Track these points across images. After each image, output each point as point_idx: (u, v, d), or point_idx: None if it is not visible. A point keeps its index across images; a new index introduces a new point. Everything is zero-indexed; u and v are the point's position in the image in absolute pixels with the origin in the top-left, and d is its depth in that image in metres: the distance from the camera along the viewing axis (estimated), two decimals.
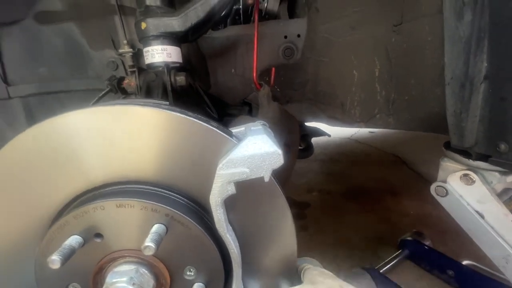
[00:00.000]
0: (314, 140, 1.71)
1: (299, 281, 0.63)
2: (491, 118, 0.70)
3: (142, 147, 0.46)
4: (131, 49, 0.99)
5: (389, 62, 0.98)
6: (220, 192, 0.44)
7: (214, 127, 0.48)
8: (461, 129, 0.76)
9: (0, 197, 0.46)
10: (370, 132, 3.76)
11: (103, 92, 0.77)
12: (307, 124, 1.66)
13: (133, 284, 0.44)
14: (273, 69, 1.04)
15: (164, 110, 0.46)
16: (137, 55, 1.03)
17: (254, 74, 0.97)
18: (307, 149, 1.52)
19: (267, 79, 1.15)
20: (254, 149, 0.43)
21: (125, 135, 0.45)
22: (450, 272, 1.21)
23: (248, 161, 0.43)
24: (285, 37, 1.14)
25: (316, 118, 1.36)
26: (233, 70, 1.18)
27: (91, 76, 1.10)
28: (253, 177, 0.44)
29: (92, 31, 1.04)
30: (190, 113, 0.48)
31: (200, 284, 0.49)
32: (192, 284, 0.49)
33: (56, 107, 1.14)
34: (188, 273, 0.49)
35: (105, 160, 0.46)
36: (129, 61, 1.00)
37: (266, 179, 0.44)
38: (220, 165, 0.43)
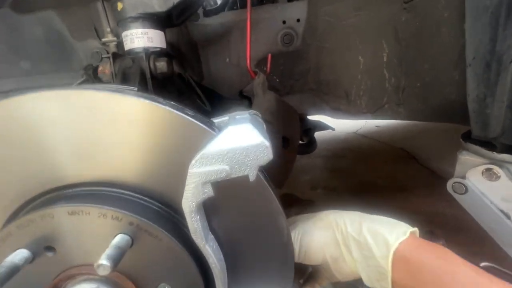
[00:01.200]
0: (317, 135, 1.61)
1: None
2: None
3: (101, 140, 0.38)
4: (115, 38, 0.91)
5: (399, 45, 0.88)
6: (194, 195, 0.35)
7: (190, 115, 0.39)
8: (485, 117, 0.66)
9: None
10: (376, 126, 3.64)
11: (77, 82, 0.69)
12: (309, 117, 1.56)
13: None
14: (269, 55, 0.95)
15: (127, 95, 0.37)
16: (122, 44, 0.95)
17: (248, 62, 0.88)
18: (310, 144, 1.43)
19: (264, 68, 1.06)
20: (235, 142, 0.34)
21: (76, 126, 0.37)
22: None
23: (227, 156, 0.34)
24: (284, 22, 1.04)
25: (319, 110, 1.26)
26: (227, 60, 1.09)
27: (76, 70, 1.03)
28: (235, 175, 0.35)
29: (74, 19, 0.96)
30: (161, 100, 0.40)
31: None
32: None
33: None
34: None
35: (53, 155, 0.38)
36: (112, 51, 0.92)
37: (251, 178, 0.35)
38: (192, 162, 0.34)
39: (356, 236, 0.49)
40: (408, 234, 0.47)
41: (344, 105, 1.11)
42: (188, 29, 1.03)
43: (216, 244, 0.41)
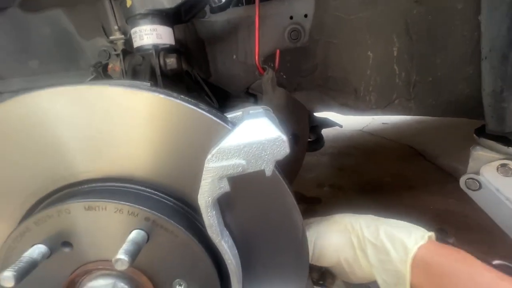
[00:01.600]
0: (323, 132, 1.60)
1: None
2: None
3: (115, 135, 0.38)
4: (122, 36, 0.91)
5: (410, 39, 0.86)
6: (210, 190, 0.35)
7: (204, 110, 0.39)
8: (502, 111, 0.65)
9: None
10: (383, 123, 3.60)
11: (87, 80, 0.70)
12: (316, 114, 1.54)
13: None
14: (278, 51, 0.94)
15: (141, 90, 0.37)
16: (130, 42, 0.95)
17: (257, 58, 0.87)
18: (318, 141, 1.42)
19: (271, 64, 1.05)
20: (252, 136, 0.34)
21: (92, 122, 0.37)
22: None
23: (244, 150, 0.34)
24: (291, 17, 1.03)
25: (326, 107, 1.25)
26: (234, 57, 1.08)
27: (84, 68, 1.03)
28: (251, 170, 0.35)
29: (81, 18, 0.96)
30: (174, 94, 0.39)
31: None
32: None
33: None
34: (177, 286, 0.41)
35: (70, 151, 0.38)
36: (121, 49, 0.92)
37: (268, 173, 0.35)
38: (209, 157, 0.34)
39: (373, 240, 0.48)
40: (426, 238, 0.46)
41: (353, 101, 1.09)
42: (195, 26, 1.02)
43: (231, 240, 0.41)
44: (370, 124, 3.55)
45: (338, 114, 1.31)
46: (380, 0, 0.88)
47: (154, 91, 0.38)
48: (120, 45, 0.91)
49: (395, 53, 0.91)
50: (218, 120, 0.38)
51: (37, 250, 0.36)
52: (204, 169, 0.34)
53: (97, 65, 0.70)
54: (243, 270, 0.43)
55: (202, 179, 0.35)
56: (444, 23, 0.77)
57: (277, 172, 0.40)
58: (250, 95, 1.19)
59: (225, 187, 0.35)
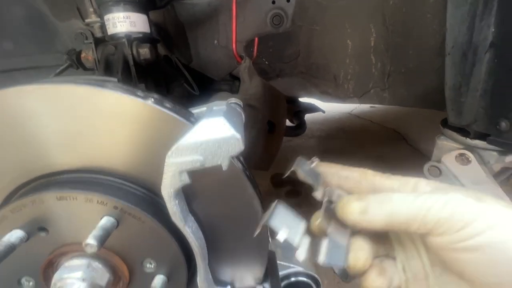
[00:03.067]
0: (310, 115, 1.63)
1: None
2: (493, 92, 0.62)
3: (85, 130, 0.40)
4: (98, 19, 0.89)
5: (386, 30, 0.88)
6: (171, 183, 0.39)
7: (167, 108, 0.41)
8: (460, 105, 0.69)
9: None
10: (371, 106, 3.65)
11: (60, 68, 0.70)
12: (301, 99, 1.57)
13: (84, 279, 0.41)
14: (256, 39, 0.94)
15: (106, 89, 0.39)
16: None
17: (234, 45, 0.88)
18: (300, 126, 1.46)
19: (251, 50, 1.05)
20: (208, 134, 0.37)
21: (62, 119, 0.39)
22: None
23: (201, 147, 0.37)
24: (273, 2, 1.02)
25: (308, 93, 1.27)
26: (215, 41, 1.08)
27: (60, 51, 1.01)
28: (209, 165, 0.38)
29: None
30: (139, 93, 0.42)
31: (162, 276, 0.46)
32: (153, 277, 0.46)
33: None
34: (147, 265, 0.46)
35: (40, 146, 0.40)
36: (97, 32, 0.91)
37: (224, 167, 0.39)
38: (169, 153, 0.37)
39: None
40: None
41: (332, 89, 1.12)
42: (174, 9, 1.01)
43: (196, 224, 0.45)
44: (358, 107, 3.59)
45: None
46: None
47: (118, 89, 0.40)
48: (96, 28, 0.89)
49: (372, 43, 0.93)
50: (179, 118, 0.41)
51: (14, 234, 0.39)
52: (165, 164, 0.38)
53: (70, 53, 0.69)
54: (209, 251, 0.48)
55: (164, 173, 0.38)
56: (417, 15, 0.78)
57: (236, 165, 0.44)
58: (235, 78, 1.19)
59: (185, 180, 0.39)
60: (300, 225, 0.46)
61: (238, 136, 0.38)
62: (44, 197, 0.39)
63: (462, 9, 0.58)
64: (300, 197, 1.88)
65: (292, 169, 0.47)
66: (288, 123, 1.56)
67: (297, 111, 1.50)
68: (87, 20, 0.89)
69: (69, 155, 0.42)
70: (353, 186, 0.41)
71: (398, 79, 0.92)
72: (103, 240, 0.37)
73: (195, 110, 0.47)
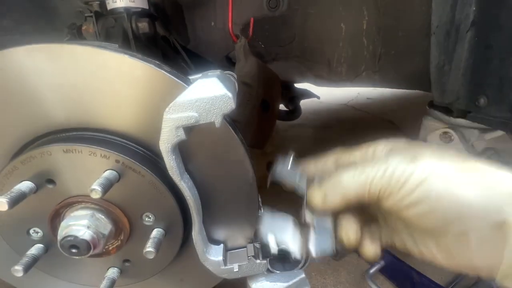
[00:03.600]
0: (308, 105, 1.66)
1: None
2: (474, 70, 0.66)
3: (88, 90, 0.44)
4: None
5: (378, 12, 0.90)
6: (168, 137, 0.42)
7: (167, 71, 0.45)
8: (443, 84, 0.73)
9: None
10: (368, 98, 3.68)
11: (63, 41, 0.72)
12: (296, 85, 1.60)
13: (88, 227, 0.44)
14: (252, 19, 0.97)
15: (108, 50, 0.42)
16: (105, 5, 0.95)
17: (230, 25, 0.90)
18: (294, 111, 1.49)
19: (247, 33, 1.07)
20: (202, 92, 0.41)
21: (65, 76, 0.42)
22: None
23: (196, 104, 0.41)
24: None
25: (303, 77, 1.30)
26: (212, 23, 1.10)
27: (59, 29, 1.03)
28: (203, 122, 0.42)
29: None
30: (140, 56, 0.45)
31: (159, 229, 0.50)
32: (152, 230, 0.50)
33: None
34: (146, 219, 0.50)
35: (47, 103, 0.44)
36: (94, 10, 0.93)
37: (217, 124, 0.42)
38: (166, 109, 0.41)
39: None
40: None
41: (326, 72, 1.15)
42: None
43: (191, 182, 0.49)
44: (355, 98, 3.62)
45: (322, 88, 1.37)
46: None
47: (120, 52, 0.43)
48: (95, 7, 0.91)
49: (364, 26, 0.95)
50: (177, 80, 0.44)
51: (25, 185, 0.43)
52: (163, 119, 0.41)
53: (71, 27, 0.72)
54: (204, 212, 0.52)
55: (162, 128, 0.42)
56: None
57: (229, 127, 0.48)
58: (231, 63, 1.22)
59: (182, 135, 0.42)
60: (288, 224, 0.51)
61: (230, 95, 0.41)
62: (52, 149, 0.43)
63: None
64: None
65: (271, 179, 0.50)
66: (284, 108, 1.59)
67: (292, 97, 1.53)
68: None
69: (73, 113, 0.45)
70: (331, 172, 0.44)
71: (388, 61, 0.95)
72: (106, 188, 0.41)
73: (192, 77, 0.50)
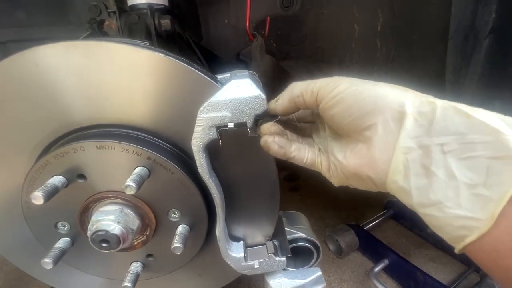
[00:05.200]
0: None
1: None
2: (490, 74, 0.67)
3: (120, 88, 0.44)
4: None
5: (393, 15, 0.91)
6: (201, 136, 0.43)
7: (197, 70, 0.45)
8: (458, 87, 0.74)
9: None
10: None
11: (83, 36, 0.72)
12: None
13: (118, 222, 0.45)
14: (268, 18, 0.97)
15: (143, 48, 0.43)
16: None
17: (247, 24, 0.90)
18: None
19: (263, 32, 1.08)
20: (237, 93, 0.41)
21: (100, 74, 0.43)
22: (429, 230, 1.28)
23: (230, 105, 0.41)
24: None
25: (313, 77, 1.31)
26: (226, 21, 1.10)
27: (73, 23, 1.02)
28: (236, 121, 0.43)
29: None
30: (172, 54, 0.45)
31: (185, 225, 0.51)
32: (177, 226, 0.51)
33: None
34: (172, 215, 0.51)
35: (82, 100, 0.44)
36: (112, 5, 0.92)
37: (249, 124, 0.43)
38: (201, 108, 0.42)
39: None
40: None
41: (337, 72, 1.15)
42: None
43: (217, 180, 0.50)
44: None
45: None
46: None
47: (154, 50, 0.44)
48: (111, 1, 0.91)
49: (378, 28, 0.96)
50: (209, 79, 0.45)
51: (57, 179, 0.44)
52: (197, 118, 0.42)
53: (92, 22, 0.72)
54: (226, 206, 0.53)
55: (195, 127, 0.43)
56: (423, 1, 0.82)
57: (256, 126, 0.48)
58: (240, 62, 1.22)
59: (214, 134, 0.43)
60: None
61: (263, 96, 0.42)
62: (86, 145, 0.43)
63: None
64: (299, 181, 1.95)
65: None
66: None
67: None
68: None
69: (106, 110, 0.46)
70: None
71: (401, 63, 0.96)
72: (140, 185, 0.42)
73: (220, 76, 0.51)
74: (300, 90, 0.41)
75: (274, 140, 0.42)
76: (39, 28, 1.02)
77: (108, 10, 0.71)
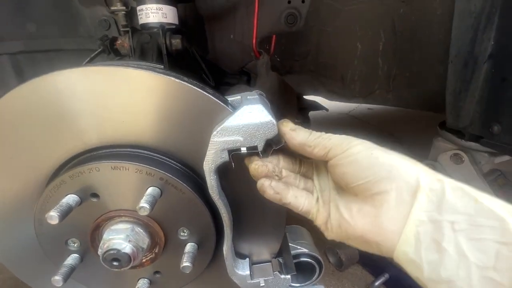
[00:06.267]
0: (312, 114, 1.69)
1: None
2: (489, 98, 0.70)
3: (136, 111, 0.46)
4: (124, 7, 0.93)
5: (395, 36, 0.94)
6: (213, 159, 0.44)
7: (210, 94, 0.47)
8: (458, 109, 0.76)
9: None
10: (368, 108, 3.74)
11: (95, 53, 0.74)
12: (305, 97, 1.63)
13: (129, 241, 0.46)
14: (274, 37, 1.00)
15: (159, 73, 0.45)
16: (130, 14, 0.97)
17: (254, 41, 0.93)
18: (303, 122, 1.52)
19: (267, 47, 1.10)
20: (249, 118, 0.43)
21: (118, 98, 0.44)
22: None
23: (242, 129, 0.43)
24: (289, 2, 1.07)
25: (315, 91, 1.34)
26: (232, 36, 1.13)
27: (82, 35, 1.05)
28: (247, 145, 0.44)
29: None
30: (185, 79, 0.47)
31: (193, 244, 0.52)
32: (186, 244, 0.52)
33: (46, 66, 1.09)
34: (181, 233, 0.52)
35: (99, 122, 0.46)
36: (122, 20, 0.94)
37: (260, 148, 0.45)
38: (214, 133, 0.43)
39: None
40: None
41: (339, 88, 1.18)
42: (195, 3, 1.05)
43: (226, 200, 0.51)
44: (356, 108, 3.68)
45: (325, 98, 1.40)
46: None
47: (169, 75, 0.45)
48: (120, 17, 0.93)
49: (380, 47, 0.99)
50: (221, 103, 0.47)
51: (71, 198, 0.45)
52: (210, 142, 0.43)
53: (104, 39, 0.73)
54: (233, 224, 0.54)
55: (208, 150, 0.44)
56: (425, 24, 0.85)
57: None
58: (244, 73, 1.25)
59: (225, 157, 0.45)
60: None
61: (274, 121, 0.44)
62: (101, 165, 0.44)
63: (467, 22, 0.65)
64: None
65: None
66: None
67: (302, 108, 1.56)
68: (112, 8, 0.93)
69: (122, 132, 0.47)
70: None
71: (402, 82, 0.99)
72: (153, 205, 0.43)
73: (230, 98, 0.52)
74: (316, 141, 0.42)
75: (270, 184, 0.43)
76: (49, 40, 1.05)
77: (122, 30, 0.73)
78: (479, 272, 0.30)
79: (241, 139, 0.43)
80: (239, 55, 1.17)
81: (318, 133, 0.44)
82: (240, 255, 0.60)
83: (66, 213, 0.43)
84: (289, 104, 1.04)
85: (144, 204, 0.42)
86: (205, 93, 0.46)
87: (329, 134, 0.43)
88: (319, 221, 0.43)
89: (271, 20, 1.09)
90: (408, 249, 0.34)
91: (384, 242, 0.36)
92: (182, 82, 0.45)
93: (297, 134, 0.43)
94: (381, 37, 0.98)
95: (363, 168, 0.37)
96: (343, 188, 0.42)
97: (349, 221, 0.39)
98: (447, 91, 0.77)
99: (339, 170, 0.40)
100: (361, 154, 0.38)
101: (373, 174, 0.37)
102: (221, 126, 0.43)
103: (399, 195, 0.35)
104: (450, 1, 0.76)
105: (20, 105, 0.44)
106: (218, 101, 0.46)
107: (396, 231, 0.35)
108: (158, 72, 0.45)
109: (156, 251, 0.52)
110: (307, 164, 0.49)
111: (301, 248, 0.74)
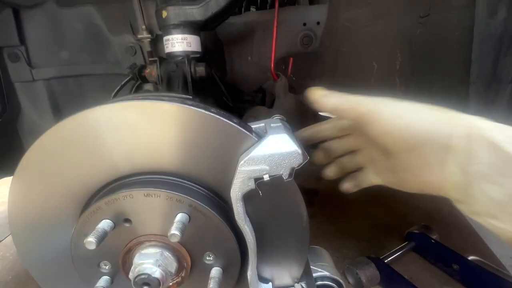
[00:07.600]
0: None
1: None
2: None
3: (168, 141, 0.49)
4: (149, 35, 1.00)
5: (412, 56, 0.95)
6: (240, 187, 0.46)
7: (236, 123, 0.49)
8: None
9: (39, 180, 0.50)
10: None
11: (125, 80, 0.79)
12: (321, 113, 1.64)
13: (159, 265, 0.48)
14: (291, 59, 1.03)
15: (189, 107, 0.47)
16: (155, 41, 1.04)
17: (272, 64, 0.96)
18: None
19: (283, 67, 1.13)
20: (275, 148, 0.45)
21: (152, 130, 0.47)
22: (455, 266, 1.23)
23: (268, 159, 0.45)
24: (304, 24, 1.11)
25: None
26: (249, 58, 1.17)
27: (110, 61, 1.12)
28: (273, 174, 0.46)
29: (111, 15, 1.04)
30: (213, 110, 0.50)
31: (218, 268, 0.53)
32: (211, 268, 0.53)
33: (77, 90, 1.17)
34: (207, 258, 0.53)
35: (132, 152, 0.49)
36: (147, 47, 1.01)
37: (285, 177, 0.46)
38: (241, 162, 0.45)
39: None
40: None
41: None
42: (215, 30, 1.10)
43: (251, 226, 0.52)
44: None
45: None
46: (388, 17, 0.96)
47: (198, 106, 0.48)
48: (146, 44, 1.00)
49: (397, 67, 1.00)
50: (246, 132, 0.49)
51: (106, 223, 0.47)
52: (237, 171, 0.45)
53: (133, 67, 0.79)
54: (257, 248, 0.55)
55: (235, 178, 0.46)
56: (443, 45, 0.86)
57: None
58: (259, 91, 1.28)
59: (252, 185, 0.46)
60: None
61: (300, 151, 0.45)
62: (135, 193, 0.47)
63: (487, 44, 0.65)
64: (314, 207, 1.93)
65: None
66: None
67: None
68: (139, 36, 1.00)
69: (152, 160, 0.50)
70: None
71: (420, 101, 0.98)
72: (183, 232, 0.45)
73: (254, 126, 0.54)
74: (353, 102, 0.48)
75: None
76: (80, 66, 1.13)
77: (149, 58, 0.78)
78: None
79: (267, 168, 0.45)
80: (257, 76, 1.21)
81: (349, 99, 0.48)
82: (262, 279, 0.60)
83: (102, 238, 0.45)
84: (306, 124, 1.05)
85: (175, 231, 0.43)
86: (231, 123, 0.48)
87: (359, 100, 0.48)
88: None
89: (287, 41, 1.13)
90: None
91: (429, 189, 0.44)
92: (211, 114, 0.48)
93: (328, 100, 0.50)
94: (397, 57, 0.99)
95: (395, 140, 0.43)
96: (384, 154, 0.48)
97: (395, 178, 0.48)
98: (468, 112, 0.76)
99: (372, 135, 0.46)
100: (391, 125, 0.44)
101: (419, 125, 0.43)
102: (248, 156, 0.45)
103: (437, 155, 0.41)
104: (468, 23, 0.77)
105: (63, 136, 0.48)
106: (244, 130, 0.49)
107: (437, 182, 0.42)
108: (188, 105, 0.48)
109: (183, 275, 0.53)
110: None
111: (322, 271, 0.73)
